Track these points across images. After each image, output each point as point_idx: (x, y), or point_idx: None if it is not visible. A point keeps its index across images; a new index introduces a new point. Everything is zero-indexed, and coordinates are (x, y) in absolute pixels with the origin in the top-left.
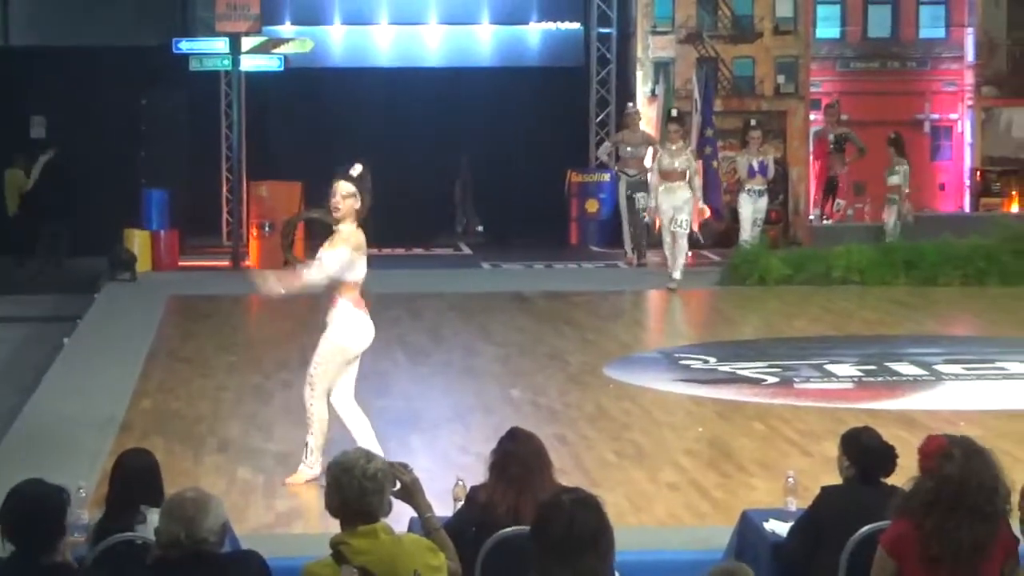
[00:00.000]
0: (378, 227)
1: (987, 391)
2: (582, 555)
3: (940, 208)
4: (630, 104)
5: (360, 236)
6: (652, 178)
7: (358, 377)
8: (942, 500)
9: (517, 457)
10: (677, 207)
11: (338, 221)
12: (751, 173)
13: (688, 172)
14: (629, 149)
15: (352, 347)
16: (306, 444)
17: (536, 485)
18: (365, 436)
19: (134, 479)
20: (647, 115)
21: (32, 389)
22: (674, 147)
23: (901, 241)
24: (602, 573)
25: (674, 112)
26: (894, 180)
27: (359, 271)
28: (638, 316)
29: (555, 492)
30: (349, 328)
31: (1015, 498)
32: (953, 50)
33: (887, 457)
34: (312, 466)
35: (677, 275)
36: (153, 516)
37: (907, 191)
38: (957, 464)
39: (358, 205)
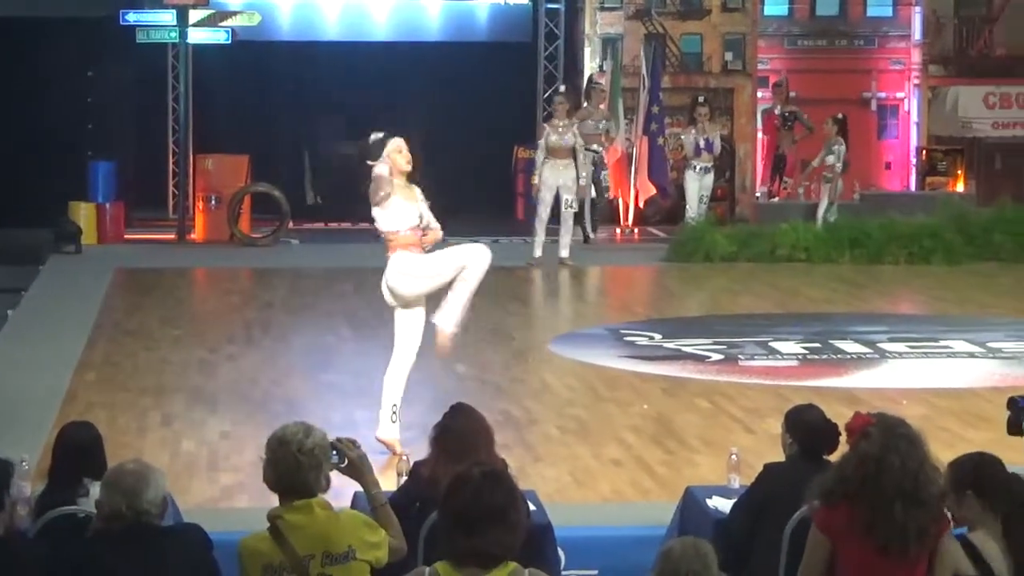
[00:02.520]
0: (324, 201)
1: (931, 369)
2: (487, 528)
3: (886, 186)
4: (561, 87)
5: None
6: (538, 155)
7: (303, 350)
8: (866, 480)
9: (458, 432)
10: (563, 185)
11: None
12: (697, 150)
13: (575, 149)
14: (591, 124)
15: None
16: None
17: (477, 459)
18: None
19: (77, 452)
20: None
21: None
22: (560, 124)
23: (846, 219)
24: (508, 545)
25: (561, 88)
26: (830, 160)
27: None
28: (583, 292)
29: (469, 465)
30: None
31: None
32: (900, 29)
33: (829, 434)
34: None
35: (565, 252)
36: (96, 489)
37: (840, 171)
38: (876, 443)
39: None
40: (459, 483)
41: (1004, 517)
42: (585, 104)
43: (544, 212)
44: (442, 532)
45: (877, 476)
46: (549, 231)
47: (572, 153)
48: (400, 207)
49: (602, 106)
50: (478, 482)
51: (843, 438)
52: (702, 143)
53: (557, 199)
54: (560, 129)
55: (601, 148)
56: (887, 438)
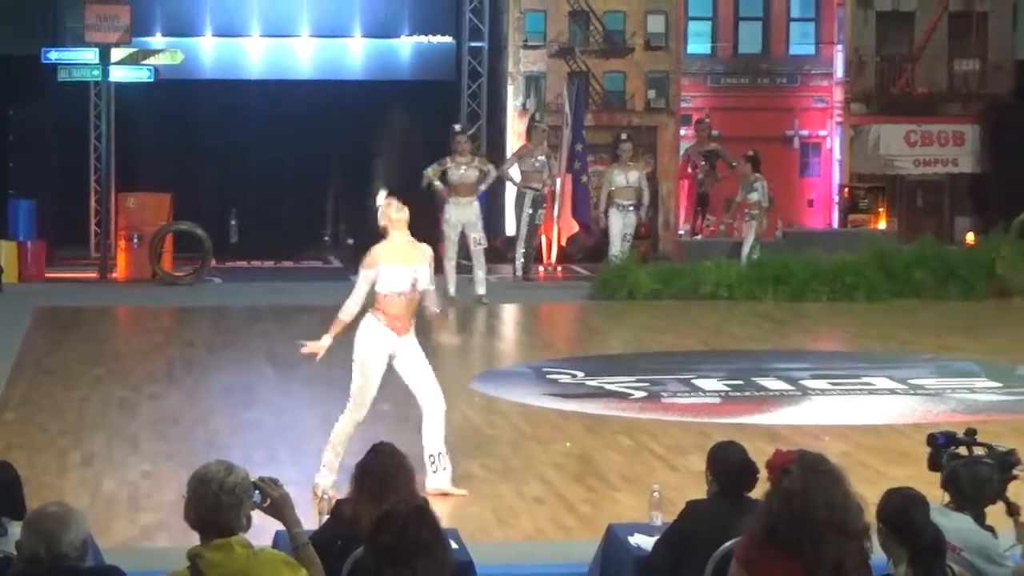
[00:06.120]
0: (247, 240)
1: (852, 406)
2: (414, 563)
3: (809, 224)
4: (456, 126)
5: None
6: (440, 192)
7: (225, 388)
8: (793, 516)
9: (379, 471)
10: (469, 222)
11: None
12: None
13: (477, 186)
14: (532, 162)
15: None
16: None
17: (397, 498)
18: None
19: None
20: (518, 129)
21: None
22: (463, 160)
23: (769, 256)
24: None
25: (457, 127)
26: (754, 197)
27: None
28: (507, 330)
29: (395, 502)
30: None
31: (870, 514)
32: (823, 67)
33: (746, 472)
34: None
35: (481, 290)
36: (15, 529)
37: (766, 207)
38: (797, 480)
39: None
40: (386, 519)
41: (911, 557)
42: (526, 142)
43: (451, 250)
44: (368, 568)
45: (803, 512)
46: (463, 268)
47: (475, 190)
48: (387, 272)
49: (543, 144)
50: (405, 518)
51: (764, 475)
52: (625, 180)
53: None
54: (462, 166)
55: (541, 187)
56: (808, 475)
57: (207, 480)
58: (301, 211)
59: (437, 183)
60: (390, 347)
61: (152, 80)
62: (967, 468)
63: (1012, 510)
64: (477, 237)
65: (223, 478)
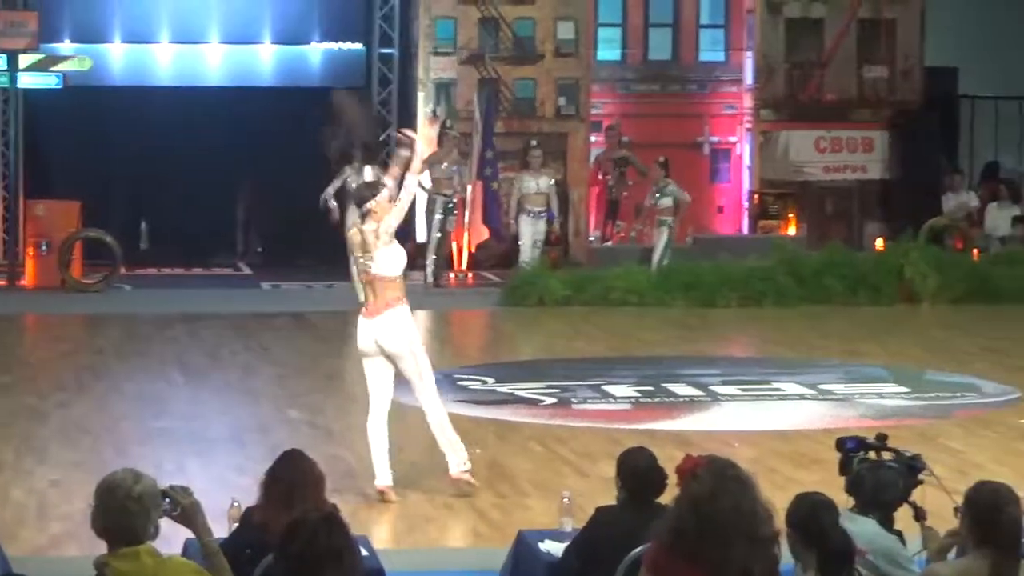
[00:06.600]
0: (156, 247)
1: (762, 412)
2: (324, 571)
3: (719, 230)
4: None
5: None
6: (329, 200)
7: (135, 396)
8: (701, 521)
9: (288, 478)
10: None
11: None
12: (531, 194)
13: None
14: (442, 168)
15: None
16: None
17: (305, 505)
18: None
19: None
20: (428, 136)
21: None
22: (360, 167)
23: (679, 262)
24: None
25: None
26: (666, 202)
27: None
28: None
29: (305, 510)
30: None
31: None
32: (732, 73)
33: (655, 478)
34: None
35: None
36: None
37: (682, 210)
38: (705, 485)
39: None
40: (295, 527)
41: (820, 562)
42: (436, 150)
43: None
44: None
45: (711, 517)
46: None
47: None
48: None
49: (453, 151)
50: (314, 525)
51: (675, 481)
52: (536, 187)
53: None
54: (361, 174)
55: (452, 193)
56: (717, 480)
57: (114, 488)
58: (211, 218)
59: (332, 203)
60: (370, 335)
61: (61, 87)
62: (871, 472)
63: (919, 515)
64: None
65: (130, 486)
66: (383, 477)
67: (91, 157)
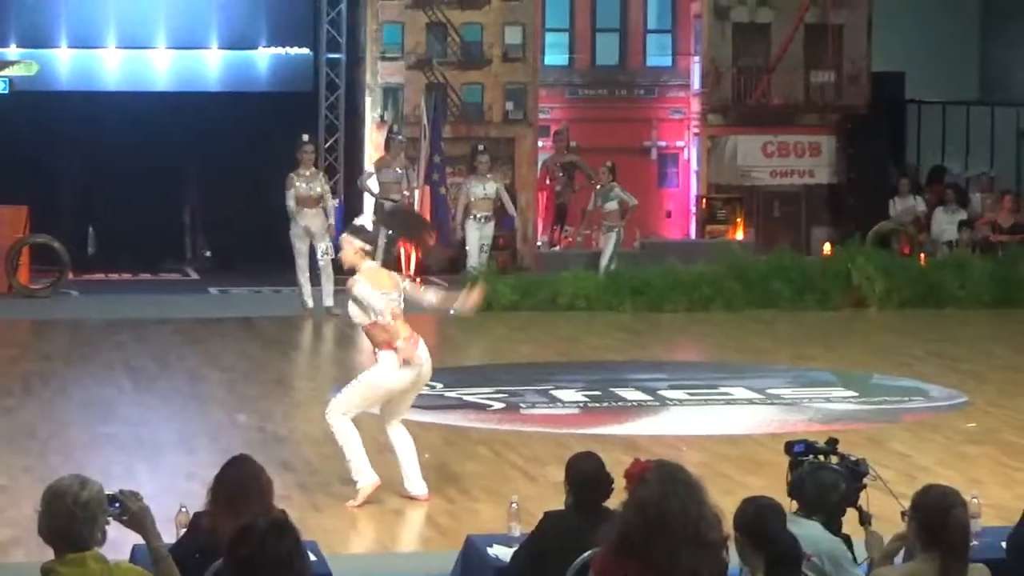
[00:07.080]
0: (104, 252)
1: (710, 416)
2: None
3: (667, 235)
4: (304, 136)
5: (358, 280)
6: (289, 204)
7: (82, 402)
8: (648, 525)
9: (235, 483)
10: (316, 234)
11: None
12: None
13: (323, 197)
14: (390, 173)
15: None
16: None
17: (253, 510)
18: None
19: None
20: (376, 141)
21: None
22: (307, 172)
23: (627, 267)
24: None
25: (305, 137)
26: (611, 207)
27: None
28: (364, 341)
29: (254, 516)
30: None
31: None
32: (679, 78)
33: (602, 483)
34: (361, 480)
35: (330, 301)
36: None
37: (630, 211)
38: (654, 489)
39: (354, 251)
40: (244, 532)
41: (768, 565)
42: (384, 154)
43: (302, 261)
44: None
45: (659, 521)
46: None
47: (320, 201)
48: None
49: (400, 156)
50: (264, 531)
51: (623, 485)
52: (483, 192)
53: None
54: (307, 178)
55: (399, 198)
56: (665, 484)
57: (60, 494)
58: (159, 223)
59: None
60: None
61: (7, 92)
62: (812, 474)
63: (863, 519)
64: (324, 248)
65: (77, 492)
66: (417, 486)
67: (39, 162)
